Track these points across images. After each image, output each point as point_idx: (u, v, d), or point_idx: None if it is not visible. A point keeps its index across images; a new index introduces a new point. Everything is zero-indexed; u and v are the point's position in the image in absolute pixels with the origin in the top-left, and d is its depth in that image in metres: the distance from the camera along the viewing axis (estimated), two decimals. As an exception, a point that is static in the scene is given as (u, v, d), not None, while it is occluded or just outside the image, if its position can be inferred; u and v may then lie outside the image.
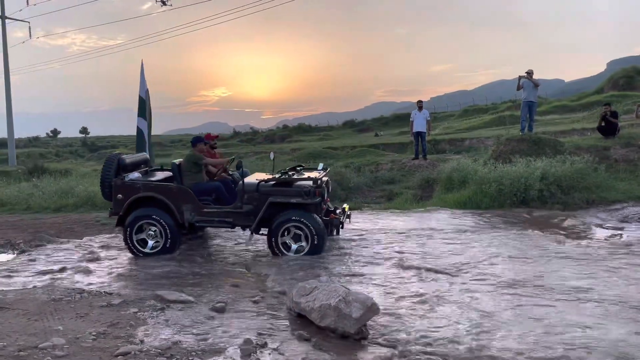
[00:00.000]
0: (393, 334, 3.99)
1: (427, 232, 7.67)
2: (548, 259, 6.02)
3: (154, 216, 6.66)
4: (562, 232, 7.55)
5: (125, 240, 6.79)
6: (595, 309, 4.38)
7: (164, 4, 25.90)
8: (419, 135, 14.67)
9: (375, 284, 5.35)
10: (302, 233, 6.40)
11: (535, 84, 12.86)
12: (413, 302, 4.71)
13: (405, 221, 8.58)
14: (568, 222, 8.06)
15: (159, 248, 6.70)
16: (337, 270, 5.88)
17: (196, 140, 7.29)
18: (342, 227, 7.29)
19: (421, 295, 4.89)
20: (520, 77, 12.92)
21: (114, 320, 4.23)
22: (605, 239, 7.12)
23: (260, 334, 3.96)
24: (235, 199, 6.75)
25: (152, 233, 6.71)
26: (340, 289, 4.12)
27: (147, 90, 8.77)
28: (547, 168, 9.67)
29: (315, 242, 6.35)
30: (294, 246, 6.48)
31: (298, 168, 7.31)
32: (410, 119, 14.94)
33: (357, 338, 3.91)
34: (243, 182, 6.67)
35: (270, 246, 6.55)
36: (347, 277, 5.61)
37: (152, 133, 9.27)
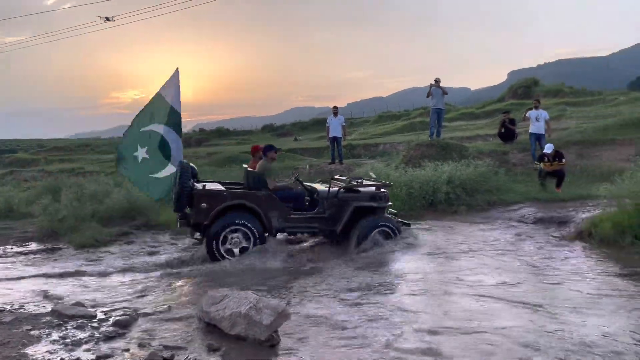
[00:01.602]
0: (302, 339, 3.99)
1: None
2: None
3: (246, 223, 6.55)
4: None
5: (209, 247, 6.50)
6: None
7: (107, 19, 25.31)
8: (334, 140, 14.90)
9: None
10: (385, 234, 6.89)
11: (444, 92, 13.53)
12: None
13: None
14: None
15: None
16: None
17: (267, 149, 7.23)
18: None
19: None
20: (431, 85, 13.51)
21: (4, 339, 3.89)
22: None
23: (166, 347, 3.80)
24: (305, 205, 7.13)
25: (237, 240, 6.56)
26: (252, 296, 4.06)
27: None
28: (453, 172, 10.19)
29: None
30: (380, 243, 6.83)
31: (358, 180, 7.50)
32: (327, 124, 15.15)
33: (269, 345, 3.86)
34: (329, 189, 7.05)
35: (355, 248, 6.81)
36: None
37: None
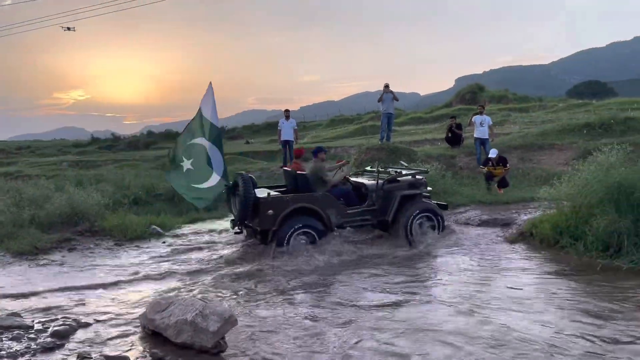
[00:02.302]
0: (250, 345, 3.94)
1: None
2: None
3: (309, 224, 6.95)
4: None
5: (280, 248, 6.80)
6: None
7: (69, 29, 27.83)
8: (286, 143, 14.86)
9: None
10: (428, 223, 7.44)
11: (395, 98, 13.79)
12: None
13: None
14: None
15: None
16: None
17: (317, 151, 7.79)
18: None
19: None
20: (383, 90, 13.70)
21: None
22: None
23: (107, 357, 3.67)
24: (355, 200, 7.53)
25: (303, 241, 6.89)
26: (198, 303, 3.98)
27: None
28: (402, 175, 10.34)
29: (443, 224, 7.59)
30: (422, 232, 7.37)
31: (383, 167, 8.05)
32: (278, 128, 15.09)
33: (215, 352, 3.80)
34: (377, 183, 7.47)
35: (405, 235, 7.28)
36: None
37: None
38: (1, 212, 8.51)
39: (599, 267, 5.62)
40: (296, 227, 6.89)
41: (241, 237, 7.90)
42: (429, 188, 8.04)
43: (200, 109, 7.39)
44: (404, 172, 7.98)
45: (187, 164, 7.29)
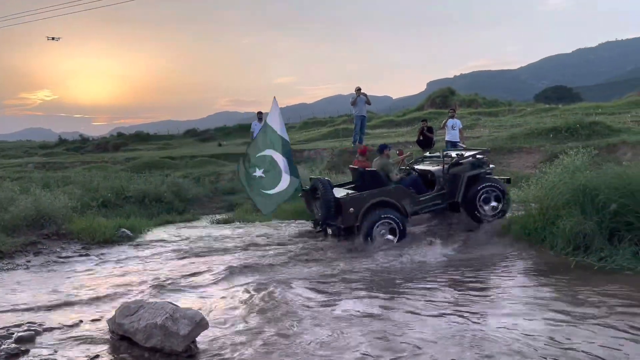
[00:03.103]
0: (222, 349, 3.90)
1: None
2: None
3: (389, 215, 7.37)
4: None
5: (366, 241, 7.24)
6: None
7: (53, 39, 29.26)
8: (259, 145, 14.80)
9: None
10: (493, 196, 7.84)
11: (367, 102, 13.91)
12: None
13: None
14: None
15: (397, 239, 7.38)
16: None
17: (383, 148, 8.28)
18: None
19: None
20: (357, 94, 13.78)
21: None
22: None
23: (74, 363, 3.58)
24: (424, 187, 8.00)
25: (384, 231, 7.34)
26: (168, 306, 3.92)
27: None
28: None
29: (507, 202, 7.87)
30: (488, 207, 7.81)
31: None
32: (251, 130, 15.03)
33: (186, 356, 3.75)
34: (443, 168, 7.95)
35: (471, 215, 7.87)
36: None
37: None
38: (-37, 215, 8.21)
39: (573, 264, 5.70)
40: (377, 219, 7.36)
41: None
42: (491, 165, 8.53)
43: (266, 123, 8.02)
44: (465, 154, 8.39)
45: (258, 173, 7.85)
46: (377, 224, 7.34)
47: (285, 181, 7.89)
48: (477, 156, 8.23)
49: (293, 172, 7.95)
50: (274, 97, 8.04)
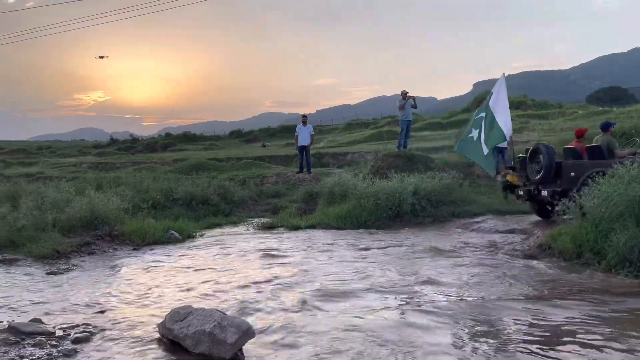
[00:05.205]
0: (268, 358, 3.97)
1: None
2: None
3: None
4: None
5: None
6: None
7: (102, 57, 31.94)
8: (303, 149, 14.95)
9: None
10: None
11: (414, 106, 13.82)
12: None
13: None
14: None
15: None
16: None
17: (608, 125, 8.75)
18: None
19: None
20: (407, 98, 13.66)
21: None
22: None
23: (127, 366, 3.73)
24: None
25: None
26: (216, 314, 4.02)
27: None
28: (419, 184, 10.34)
29: None
30: None
31: None
32: (295, 133, 15.20)
33: (233, 364, 3.83)
34: None
35: None
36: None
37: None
38: (24, 216, 8.66)
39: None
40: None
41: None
42: None
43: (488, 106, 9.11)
44: None
45: (475, 134, 8.85)
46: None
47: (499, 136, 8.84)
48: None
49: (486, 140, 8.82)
50: (503, 73, 9.52)
